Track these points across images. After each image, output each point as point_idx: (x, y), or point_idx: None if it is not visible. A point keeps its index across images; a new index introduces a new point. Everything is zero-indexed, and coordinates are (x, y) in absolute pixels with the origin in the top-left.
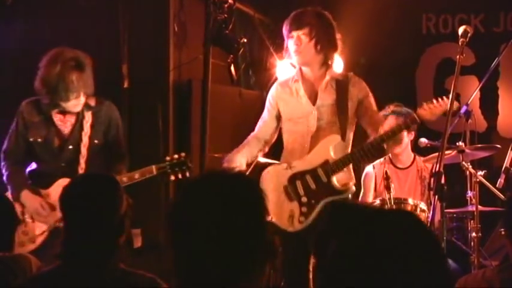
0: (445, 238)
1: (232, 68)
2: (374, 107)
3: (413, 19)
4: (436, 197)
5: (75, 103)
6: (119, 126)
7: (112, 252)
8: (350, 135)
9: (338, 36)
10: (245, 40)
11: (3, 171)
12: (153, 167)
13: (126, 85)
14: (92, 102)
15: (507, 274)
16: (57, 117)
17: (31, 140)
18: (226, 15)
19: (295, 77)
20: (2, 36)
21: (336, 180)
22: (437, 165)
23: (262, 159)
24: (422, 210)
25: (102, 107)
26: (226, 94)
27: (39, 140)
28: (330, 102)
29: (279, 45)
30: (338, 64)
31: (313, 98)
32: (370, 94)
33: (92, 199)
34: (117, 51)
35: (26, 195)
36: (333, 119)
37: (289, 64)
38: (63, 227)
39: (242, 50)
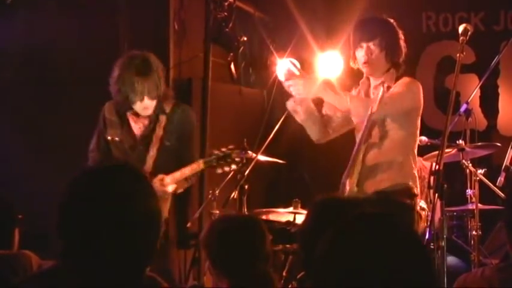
0: (445, 236)
1: (232, 66)
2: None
3: (413, 17)
4: (436, 195)
5: (142, 106)
6: (192, 131)
7: None
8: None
9: (403, 43)
10: (245, 38)
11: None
12: (201, 161)
13: None
14: (168, 107)
15: (506, 273)
16: (131, 118)
17: (109, 138)
18: (226, 14)
19: (364, 84)
20: (2, 35)
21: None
22: (438, 164)
23: (262, 158)
24: (422, 209)
25: (177, 111)
26: (226, 92)
27: (116, 138)
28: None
29: (279, 44)
30: (338, 63)
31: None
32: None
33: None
34: (117, 49)
35: None
36: (373, 126)
37: (290, 62)
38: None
39: (242, 48)
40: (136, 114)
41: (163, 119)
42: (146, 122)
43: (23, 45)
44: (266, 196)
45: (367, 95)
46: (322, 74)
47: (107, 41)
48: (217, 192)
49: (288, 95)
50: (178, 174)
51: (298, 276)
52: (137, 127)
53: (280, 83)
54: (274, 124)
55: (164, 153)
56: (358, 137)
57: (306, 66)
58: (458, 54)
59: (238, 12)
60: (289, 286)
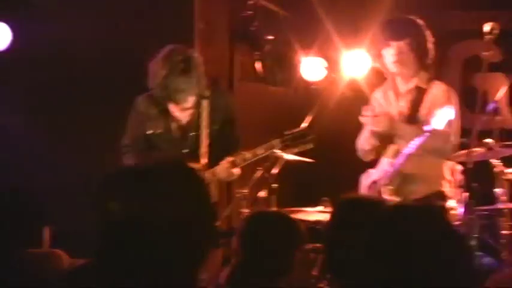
0: (476, 236)
1: (258, 65)
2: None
3: (439, 16)
4: (467, 194)
5: (185, 101)
6: (234, 113)
7: None
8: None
9: (431, 44)
10: (271, 37)
11: (126, 162)
12: (276, 140)
13: None
14: (209, 92)
15: None
16: (174, 109)
17: (149, 133)
18: (251, 12)
19: (390, 84)
20: (32, 34)
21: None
22: (467, 163)
23: (291, 157)
24: (452, 208)
25: (218, 96)
26: (252, 91)
27: (159, 131)
28: (403, 110)
29: (305, 42)
30: (365, 62)
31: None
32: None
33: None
34: (143, 49)
35: None
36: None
37: (316, 62)
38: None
39: (268, 46)
40: (180, 107)
41: (205, 104)
42: (190, 110)
43: (48, 44)
44: (295, 195)
45: (396, 95)
46: (348, 73)
47: (133, 40)
48: (246, 191)
49: (314, 94)
50: (249, 155)
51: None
52: (182, 115)
53: (305, 82)
54: (301, 123)
55: (214, 137)
56: (400, 144)
57: (331, 65)
58: (484, 53)
59: (263, 11)
60: (319, 285)
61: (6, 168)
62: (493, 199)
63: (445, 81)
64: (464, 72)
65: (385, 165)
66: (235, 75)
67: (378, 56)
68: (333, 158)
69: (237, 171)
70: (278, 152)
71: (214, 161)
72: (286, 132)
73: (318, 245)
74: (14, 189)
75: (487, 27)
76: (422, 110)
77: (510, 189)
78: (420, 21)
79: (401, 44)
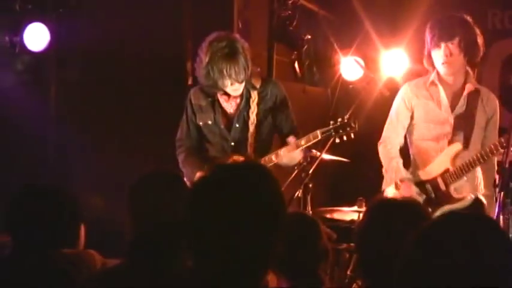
0: (511, 236)
1: (296, 64)
2: (496, 129)
3: (478, 14)
4: (502, 194)
5: (232, 88)
6: (287, 102)
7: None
8: (474, 145)
9: (481, 41)
10: (309, 37)
11: (178, 158)
12: (318, 131)
13: (190, 82)
14: (257, 83)
15: None
16: (222, 99)
17: (200, 123)
18: (290, 12)
19: (434, 81)
20: (69, 35)
21: (454, 189)
22: (504, 162)
23: (327, 156)
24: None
25: (267, 86)
26: (290, 90)
27: (209, 122)
28: (461, 111)
29: (343, 42)
30: (403, 61)
31: (452, 105)
32: (497, 116)
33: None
34: (182, 48)
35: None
36: (461, 129)
37: (354, 61)
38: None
39: (306, 46)
40: (227, 94)
41: (254, 94)
42: (238, 99)
43: (89, 43)
44: (330, 195)
45: (452, 98)
46: (387, 73)
47: (172, 40)
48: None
49: (352, 94)
50: (293, 147)
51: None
52: (229, 106)
53: (344, 81)
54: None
55: (262, 129)
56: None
57: (370, 65)
58: None
59: (302, 11)
60: (354, 285)
61: (43, 167)
62: None
63: (484, 80)
64: (503, 71)
65: None
66: (274, 74)
67: (428, 58)
68: (370, 158)
69: (297, 153)
70: (314, 151)
71: (261, 153)
72: (331, 122)
73: (352, 244)
74: (52, 188)
75: None
76: (479, 115)
77: None
78: (469, 19)
79: (450, 44)
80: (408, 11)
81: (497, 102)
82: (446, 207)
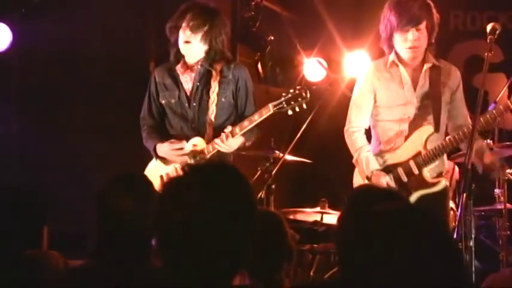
0: (473, 236)
1: (259, 65)
2: (461, 104)
3: (440, 16)
4: (464, 195)
5: (191, 50)
6: (248, 86)
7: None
8: (443, 126)
9: (437, 21)
10: (272, 38)
11: (143, 135)
12: (270, 104)
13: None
14: (219, 65)
15: None
16: (179, 71)
17: (163, 102)
18: (253, 13)
19: (394, 61)
20: (31, 35)
21: (427, 172)
22: (466, 163)
23: (289, 157)
24: (451, 209)
25: (230, 67)
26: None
27: (172, 100)
28: (425, 90)
29: (306, 43)
30: (366, 62)
31: (414, 85)
32: (461, 86)
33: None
34: (145, 49)
35: (160, 147)
36: (427, 109)
37: (317, 62)
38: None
39: (269, 47)
40: (184, 67)
41: (214, 74)
42: (193, 75)
43: (51, 44)
44: (293, 196)
45: (414, 79)
46: (350, 73)
47: (134, 40)
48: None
49: (315, 95)
50: (246, 123)
51: (326, 276)
52: (185, 80)
53: (307, 83)
54: (301, 124)
55: (223, 109)
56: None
57: (333, 66)
58: (486, 53)
59: (265, 12)
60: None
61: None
62: (491, 200)
63: None
64: (466, 73)
65: None
66: None
67: (388, 39)
68: (332, 159)
69: (239, 141)
70: (277, 152)
71: (218, 133)
72: (283, 94)
73: (315, 245)
74: (16, 189)
75: (488, 27)
76: (444, 91)
77: (509, 189)
78: (430, 2)
79: (419, 29)
80: (370, 13)
81: (458, 73)
82: (422, 192)
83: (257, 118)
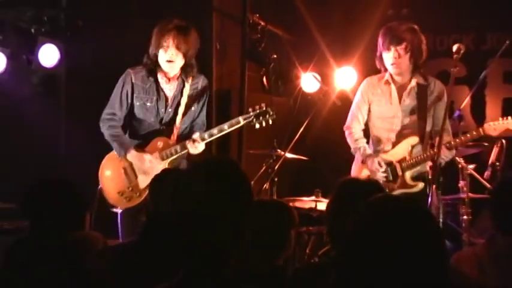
0: (441, 220)
1: (264, 79)
2: (441, 113)
3: None
4: (434, 186)
5: (171, 65)
6: (206, 98)
7: None
8: (428, 136)
9: (425, 47)
10: (275, 56)
11: (104, 130)
12: (240, 117)
13: None
14: (189, 77)
15: (493, 250)
16: (162, 81)
17: (137, 103)
18: (259, 35)
19: (388, 80)
20: (75, 53)
21: (409, 175)
22: (435, 160)
23: (289, 155)
24: None
25: (198, 80)
26: (259, 101)
27: (148, 103)
28: (411, 106)
29: (303, 60)
30: (352, 76)
31: (400, 101)
32: (444, 100)
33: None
34: None
35: (133, 154)
36: (414, 122)
37: (312, 76)
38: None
39: (272, 64)
40: (166, 77)
41: (187, 86)
42: (175, 85)
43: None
44: (292, 187)
45: (400, 95)
46: (339, 86)
47: None
48: (252, 183)
49: (310, 103)
50: (216, 131)
51: (320, 253)
52: (168, 88)
53: (304, 93)
54: (299, 127)
55: (188, 116)
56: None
57: (325, 79)
58: (452, 69)
59: (269, 34)
60: (312, 261)
61: (54, 164)
62: (456, 190)
63: None
64: None
65: None
66: (246, 87)
67: (379, 59)
68: (325, 156)
69: (203, 145)
70: (279, 151)
71: (183, 137)
72: (250, 110)
73: (310, 228)
74: (63, 182)
75: (454, 47)
76: (428, 103)
77: (471, 181)
78: (416, 27)
79: (399, 48)
80: (356, 35)
81: (443, 86)
82: (403, 191)
83: (227, 128)
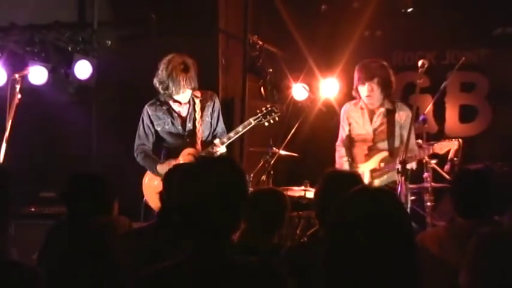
0: (409, 206)
1: (262, 88)
2: (405, 135)
3: (386, 55)
4: (403, 177)
5: (185, 96)
6: (219, 110)
7: None
8: (396, 151)
9: (393, 79)
10: (271, 69)
11: (137, 158)
12: (250, 119)
13: None
14: (198, 94)
15: (452, 231)
16: (175, 105)
17: (158, 129)
18: (258, 53)
19: (362, 106)
20: (104, 68)
21: (377, 183)
22: (404, 156)
23: (283, 152)
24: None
25: (206, 96)
26: (257, 107)
27: (166, 126)
28: (381, 127)
29: (294, 73)
30: (335, 87)
31: (371, 122)
32: (408, 120)
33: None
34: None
35: (160, 167)
36: (384, 140)
37: (302, 87)
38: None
39: (269, 76)
40: (179, 102)
41: (198, 101)
42: (188, 105)
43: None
44: (285, 178)
45: (371, 118)
46: (325, 94)
47: None
48: (252, 175)
49: (300, 109)
50: (232, 134)
51: (308, 233)
52: (183, 110)
53: (295, 101)
54: (291, 129)
55: (205, 127)
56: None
57: (313, 89)
58: (418, 81)
59: (266, 52)
60: (301, 240)
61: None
62: (421, 180)
63: None
64: (404, 94)
65: None
66: (247, 95)
67: (356, 91)
68: (313, 154)
69: (223, 148)
70: (274, 148)
71: (205, 145)
72: (258, 111)
73: (300, 212)
74: (95, 176)
75: (419, 62)
76: (396, 126)
77: (433, 173)
78: (385, 63)
79: (373, 83)
80: (338, 53)
81: (407, 111)
82: None
83: (241, 130)
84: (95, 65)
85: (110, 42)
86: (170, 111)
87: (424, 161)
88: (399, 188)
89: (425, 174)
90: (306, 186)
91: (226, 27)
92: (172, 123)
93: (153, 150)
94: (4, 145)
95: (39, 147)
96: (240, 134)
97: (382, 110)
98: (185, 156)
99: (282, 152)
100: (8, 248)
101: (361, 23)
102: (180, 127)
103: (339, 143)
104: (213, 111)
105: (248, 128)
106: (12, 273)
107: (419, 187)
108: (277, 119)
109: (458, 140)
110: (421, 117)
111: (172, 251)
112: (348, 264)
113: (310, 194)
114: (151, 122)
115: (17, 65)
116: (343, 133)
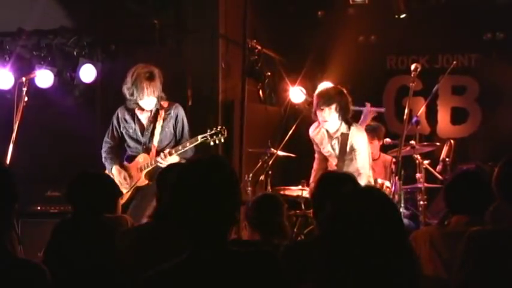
0: (402, 205)
1: (260, 92)
2: (358, 155)
3: (380, 59)
4: (397, 177)
5: (149, 103)
6: (184, 121)
7: None
8: (352, 168)
9: (350, 104)
10: (269, 73)
11: (102, 154)
12: (198, 136)
13: (190, 103)
14: (165, 104)
15: (443, 230)
16: (138, 112)
17: (123, 132)
18: (256, 57)
19: (321, 128)
20: (108, 71)
21: None
22: (397, 157)
23: (281, 153)
24: (387, 187)
25: (171, 107)
26: (256, 109)
27: (130, 130)
28: (338, 149)
29: (291, 77)
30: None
31: (330, 144)
32: (359, 145)
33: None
34: (184, 81)
35: (114, 170)
36: (342, 160)
37: (299, 90)
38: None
39: (267, 80)
40: (142, 109)
41: (162, 112)
42: (149, 114)
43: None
44: (283, 178)
45: (329, 137)
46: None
47: (177, 75)
48: (251, 175)
49: (297, 111)
50: (180, 147)
51: (305, 232)
52: (144, 117)
53: (292, 103)
54: (288, 130)
55: (164, 138)
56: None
57: (309, 92)
58: (411, 84)
59: (264, 56)
60: (298, 238)
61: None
62: (414, 181)
63: (385, 102)
64: (397, 97)
65: None
66: (246, 98)
67: (315, 115)
68: (309, 154)
69: (172, 159)
70: (272, 149)
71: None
72: (208, 130)
73: (297, 211)
74: (99, 175)
75: (412, 66)
76: (348, 147)
77: (426, 174)
78: (344, 90)
79: (328, 108)
80: (333, 57)
81: (358, 137)
82: None
83: (188, 145)
84: (99, 69)
85: (113, 47)
86: (134, 117)
87: (417, 161)
88: (393, 188)
89: (418, 175)
90: (303, 186)
91: (226, 33)
92: (134, 129)
93: (120, 151)
94: (11, 146)
95: (45, 147)
96: (187, 148)
97: (338, 134)
98: (136, 161)
99: (280, 153)
100: (14, 245)
101: (356, 29)
102: (139, 133)
103: (317, 155)
104: (176, 122)
105: (195, 144)
106: (19, 271)
107: (413, 187)
108: (222, 140)
109: (449, 141)
110: (414, 119)
111: (171, 249)
112: (343, 262)
113: (307, 193)
114: (119, 124)
115: (24, 68)
116: (316, 148)
